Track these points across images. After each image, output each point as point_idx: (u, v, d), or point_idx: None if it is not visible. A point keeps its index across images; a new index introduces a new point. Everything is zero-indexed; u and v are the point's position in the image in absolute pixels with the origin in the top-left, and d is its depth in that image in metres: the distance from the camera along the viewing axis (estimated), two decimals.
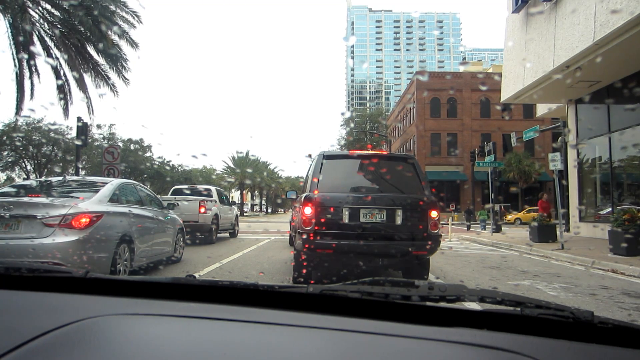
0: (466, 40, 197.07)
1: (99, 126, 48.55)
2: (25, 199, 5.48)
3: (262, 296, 1.18)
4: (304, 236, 5.58)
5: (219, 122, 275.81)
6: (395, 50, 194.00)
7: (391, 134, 50.94)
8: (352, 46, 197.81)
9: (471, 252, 11.71)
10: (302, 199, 5.86)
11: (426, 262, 6.12)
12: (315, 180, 5.93)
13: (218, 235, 13.41)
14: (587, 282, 6.73)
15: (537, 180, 40.02)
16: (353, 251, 5.64)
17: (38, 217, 5.10)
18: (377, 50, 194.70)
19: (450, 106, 42.24)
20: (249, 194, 65.08)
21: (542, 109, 18.37)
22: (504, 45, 15.71)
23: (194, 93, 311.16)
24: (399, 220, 5.69)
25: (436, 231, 5.74)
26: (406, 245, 5.64)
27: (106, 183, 6.46)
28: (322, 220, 5.62)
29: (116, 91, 14.23)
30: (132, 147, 51.69)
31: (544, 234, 13.35)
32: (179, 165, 62.14)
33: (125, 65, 14.34)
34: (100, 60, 14.44)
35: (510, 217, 35.76)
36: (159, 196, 8.92)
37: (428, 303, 1.10)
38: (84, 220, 5.33)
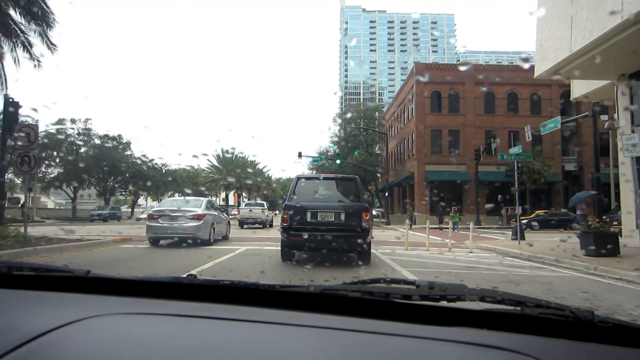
0: (460, 42, 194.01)
1: (73, 121, 44.96)
2: (179, 207, 12.99)
3: (263, 295, 1.19)
4: (284, 229, 8.58)
5: (208, 120, 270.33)
6: (389, 51, 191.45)
7: (387, 132, 47.59)
8: (346, 47, 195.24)
9: (518, 272, 8.45)
10: (283, 205, 9.08)
11: (368, 245, 8.61)
12: (292, 193, 9.01)
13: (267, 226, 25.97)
14: None
15: (546, 182, 37.00)
16: (314, 238, 8.22)
17: (186, 214, 12.50)
18: (371, 51, 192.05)
19: (452, 101, 39.05)
20: (235, 195, 61.50)
21: (579, 90, 15.10)
22: (537, 2, 12.50)
23: (186, 92, 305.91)
24: (342, 219, 8.51)
25: (367, 225, 8.44)
26: (347, 234, 8.36)
27: (202, 200, 14.61)
28: (294, 219, 8.52)
29: (38, 60, 10.83)
30: (109, 143, 48.05)
31: (601, 244, 10.13)
32: (163, 165, 58.48)
33: (51, 24, 10.93)
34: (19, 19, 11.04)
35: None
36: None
37: (428, 302, 1.11)
38: (200, 216, 12.59)
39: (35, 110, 41.51)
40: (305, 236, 8.17)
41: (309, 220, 8.39)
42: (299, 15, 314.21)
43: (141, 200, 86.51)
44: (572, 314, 1.00)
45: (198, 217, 12.40)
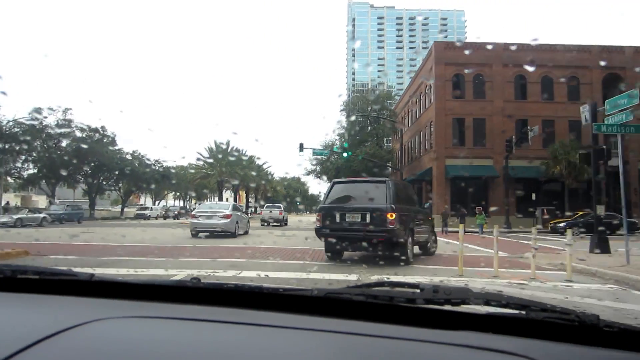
0: (471, 39, 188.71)
1: (51, 109, 40.34)
2: (213, 209, 19.40)
3: (267, 299, 1.19)
4: (318, 229, 9.87)
5: (212, 123, 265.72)
6: (397, 48, 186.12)
7: (401, 121, 42.57)
8: (353, 45, 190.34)
9: None
10: (318, 208, 10.49)
11: (397, 244, 9.29)
12: (326, 196, 10.31)
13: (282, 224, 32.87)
14: None
15: (587, 178, 31.81)
16: (343, 237, 9.51)
17: (218, 214, 18.20)
18: (379, 48, 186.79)
19: (477, 85, 33.96)
20: (233, 193, 56.76)
21: None
22: None
23: (190, 93, 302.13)
24: (368, 219, 9.27)
25: (392, 226, 9.02)
26: (373, 234, 9.07)
27: (229, 203, 23.13)
28: (326, 220, 9.75)
29: None
30: (94, 136, 43.33)
31: None
32: (156, 161, 53.85)
33: None
34: None
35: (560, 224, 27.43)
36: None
37: (432, 306, 1.10)
38: (228, 215, 18.32)
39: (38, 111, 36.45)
40: (336, 236, 9.52)
41: (338, 221, 9.53)
42: (307, 11, 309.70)
43: (141, 200, 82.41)
44: (578, 318, 0.99)
45: (227, 216, 18.07)
